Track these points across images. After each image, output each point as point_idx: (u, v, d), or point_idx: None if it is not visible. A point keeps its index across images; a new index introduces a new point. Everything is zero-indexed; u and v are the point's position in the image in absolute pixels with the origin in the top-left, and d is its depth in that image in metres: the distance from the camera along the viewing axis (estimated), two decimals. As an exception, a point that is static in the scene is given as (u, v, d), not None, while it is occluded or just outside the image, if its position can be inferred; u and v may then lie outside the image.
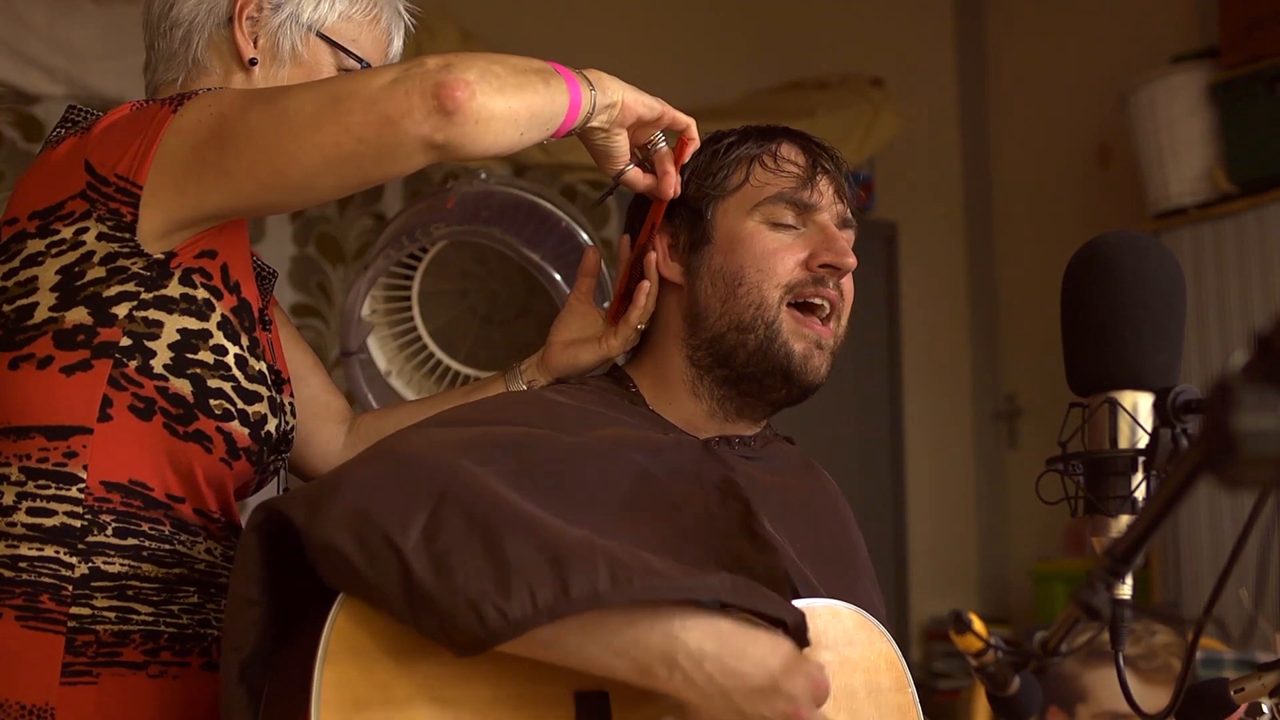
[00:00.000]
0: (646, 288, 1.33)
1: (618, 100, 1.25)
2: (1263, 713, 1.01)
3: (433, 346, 1.69)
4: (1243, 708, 1.01)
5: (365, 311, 1.64)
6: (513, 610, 0.92)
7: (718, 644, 1.00)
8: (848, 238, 1.33)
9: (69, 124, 1.24)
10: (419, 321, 1.68)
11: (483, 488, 0.99)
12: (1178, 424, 0.93)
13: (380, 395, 1.69)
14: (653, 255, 1.33)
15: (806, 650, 1.06)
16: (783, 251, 1.27)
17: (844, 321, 1.32)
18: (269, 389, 1.23)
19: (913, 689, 1.23)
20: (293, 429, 1.32)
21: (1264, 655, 2.14)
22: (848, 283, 1.32)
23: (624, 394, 1.31)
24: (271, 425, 1.24)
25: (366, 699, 0.95)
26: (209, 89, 1.21)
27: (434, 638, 0.95)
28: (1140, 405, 0.98)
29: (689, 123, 1.30)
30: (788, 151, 1.32)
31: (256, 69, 1.28)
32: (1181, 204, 3.44)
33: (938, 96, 4.39)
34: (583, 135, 1.27)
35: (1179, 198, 3.45)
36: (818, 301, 1.28)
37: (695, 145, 1.32)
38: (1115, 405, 0.98)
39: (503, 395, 1.35)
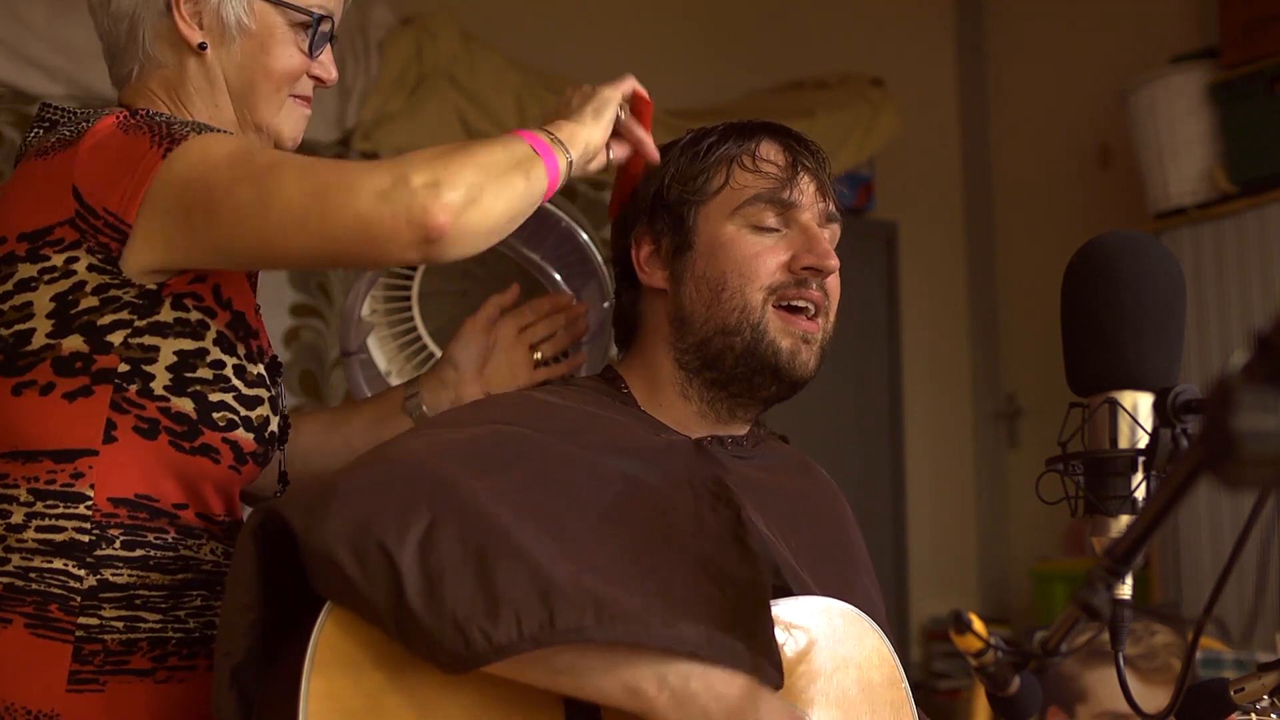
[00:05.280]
0: (581, 362, 1.39)
1: (592, 145, 1.27)
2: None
3: (433, 346, 1.69)
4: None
5: (365, 311, 1.64)
6: (498, 635, 0.93)
7: (704, 665, 1.02)
8: (833, 232, 1.33)
9: (45, 123, 1.24)
10: (419, 321, 1.68)
11: (479, 507, 1.00)
12: (1178, 424, 0.93)
13: (380, 395, 1.68)
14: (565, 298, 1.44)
15: (802, 649, 1.06)
16: (764, 254, 1.27)
17: (831, 318, 1.32)
18: (269, 388, 1.24)
19: (906, 684, 1.23)
20: (287, 412, 1.33)
21: (1264, 655, 2.14)
22: (833, 281, 1.31)
23: (615, 394, 1.31)
24: (274, 424, 1.25)
25: (354, 709, 0.95)
26: (196, 129, 1.17)
27: (419, 654, 0.95)
28: (1140, 405, 0.98)
29: (631, 86, 1.33)
30: (767, 150, 1.31)
31: (208, 52, 1.25)
32: (1181, 204, 3.44)
33: (938, 96, 4.39)
34: None
35: (1179, 198, 3.45)
36: (801, 304, 1.28)
37: (647, 103, 1.34)
38: (1115, 405, 0.98)
39: (496, 396, 1.36)
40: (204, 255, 1.14)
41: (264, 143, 1.30)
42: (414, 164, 1.10)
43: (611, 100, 1.30)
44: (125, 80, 1.30)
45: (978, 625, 0.93)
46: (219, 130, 1.18)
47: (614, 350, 1.44)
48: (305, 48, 1.28)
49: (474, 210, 1.10)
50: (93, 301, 1.14)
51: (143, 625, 1.16)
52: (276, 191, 1.11)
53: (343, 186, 1.09)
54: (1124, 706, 0.97)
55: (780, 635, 1.12)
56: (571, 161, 1.23)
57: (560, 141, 1.22)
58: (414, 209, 1.07)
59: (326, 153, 3.14)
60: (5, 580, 1.13)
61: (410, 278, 1.68)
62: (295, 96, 1.31)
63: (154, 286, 1.16)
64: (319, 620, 0.96)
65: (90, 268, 1.14)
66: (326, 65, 1.32)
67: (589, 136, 1.26)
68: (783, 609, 1.15)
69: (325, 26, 1.29)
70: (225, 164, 1.13)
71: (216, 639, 1.00)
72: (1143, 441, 0.97)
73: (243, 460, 1.22)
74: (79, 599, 1.13)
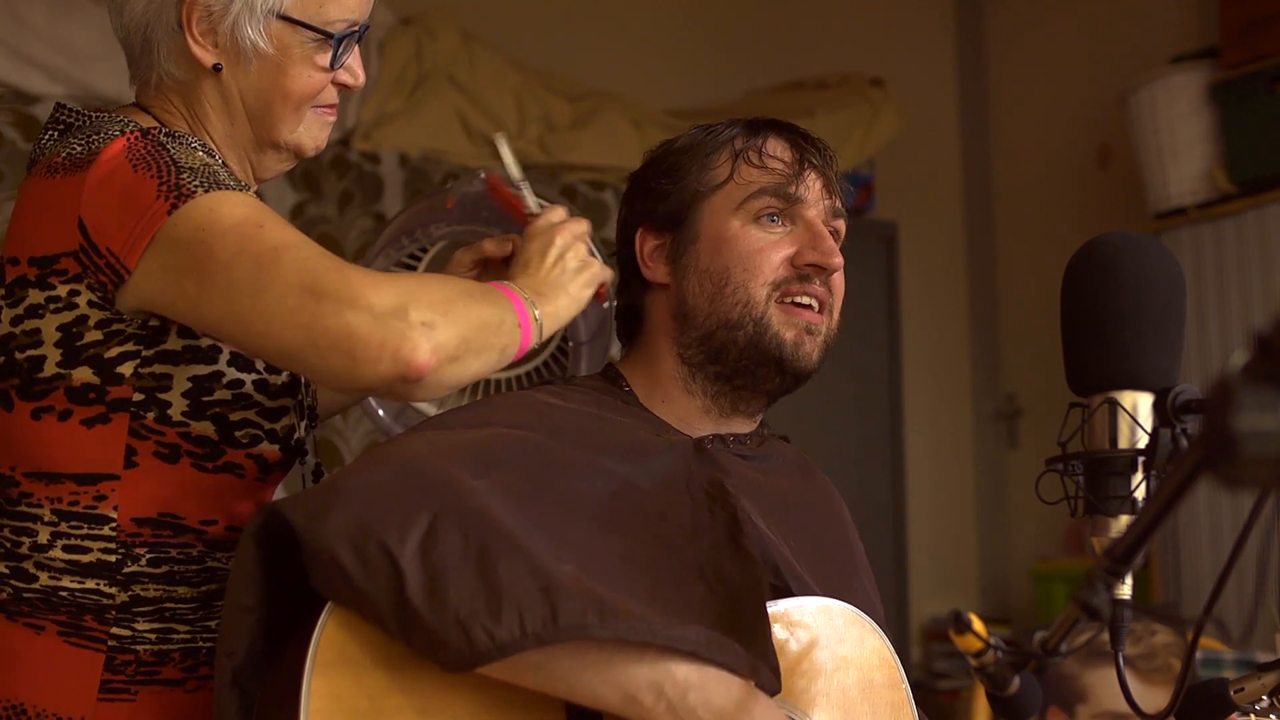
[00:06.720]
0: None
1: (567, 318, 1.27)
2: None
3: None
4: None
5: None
6: (500, 633, 0.93)
7: (703, 676, 1.02)
8: (838, 228, 1.32)
9: (60, 125, 1.21)
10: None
11: (480, 508, 1.00)
12: (1178, 424, 0.93)
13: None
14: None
15: (802, 649, 1.07)
16: (768, 249, 1.27)
17: (835, 315, 1.31)
18: (293, 395, 1.23)
19: (906, 685, 1.23)
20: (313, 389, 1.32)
21: (1264, 655, 2.14)
22: (838, 279, 1.30)
23: (617, 393, 1.31)
24: (301, 429, 1.24)
25: (356, 708, 0.95)
26: (204, 184, 1.11)
27: (421, 653, 0.95)
28: (1140, 405, 0.98)
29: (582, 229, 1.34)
30: (773, 147, 1.30)
31: (224, 72, 1.20)
32: (1181, 204, 3.45)
33: (938, 96, 4.40)
34: None
35: (1179, 198, 3.45)
36: (805, 301, 1.27)
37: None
38: (1115, 405, 0.98)
39: (497, 397, 1.36)
40: (187, 318, 1.11)
41: (283, 159, 1.27)
42: (418, 299, 1.06)
43: (599, 279, 1.30)
44: (144, 85, 1.25)
45: (978, 625, 0.93)
46: (230, 188, 1.12)
47: (615, 349, 1.44)
48: (326, 63, 1.22)
49: (454, 366, 1.08)
50: (97, 335, 1.13)
51: (175, 637, 1.16)
52: (275, 277, 1.05)
53: (341, 295, 1.04)
54: (1124, 706, 0.97)
55: (781, 633, 1.12)
56: (542, 328, 1.21)
57: (539, 322, 1.20)
58: (404, 343, 1.03)
59: (326, 153, 3.14)
60: (33, 596, 1.14)
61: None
62: (318, 107, 1.26)
63: (157, 322, 1.14)
64: (320, 620, 0.96)
65: (91, 303, 1.12)
66: (354, 69, 1.27)
67: (569, 315, 1.27)
68: (783, 608, 1.15)
69: (349, 36, 1.23)
70: (231, 234, 1.08)
71: (218, 639, 1.00)
72: (1143, 441, 0.97)
73: (268, 470, 1.21)
74: (114, 612, 1.14)
